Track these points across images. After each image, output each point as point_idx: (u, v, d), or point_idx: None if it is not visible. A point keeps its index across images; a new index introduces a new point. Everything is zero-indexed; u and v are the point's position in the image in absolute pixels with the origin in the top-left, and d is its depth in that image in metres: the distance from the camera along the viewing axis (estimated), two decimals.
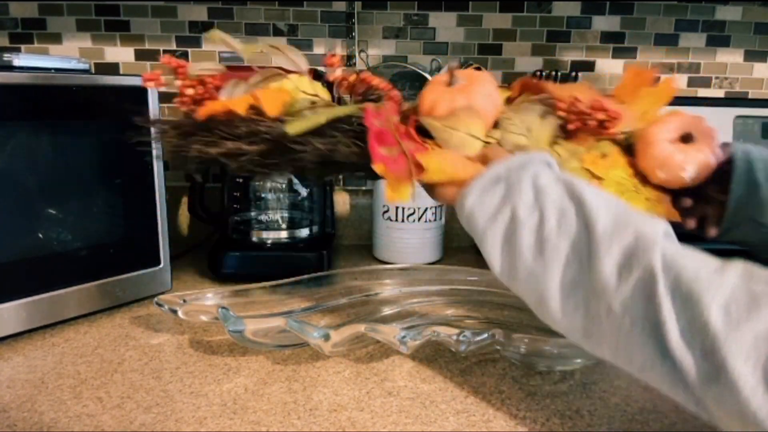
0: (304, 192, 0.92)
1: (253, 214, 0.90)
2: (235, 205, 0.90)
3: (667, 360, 0.33)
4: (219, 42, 0.53)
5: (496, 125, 0.52)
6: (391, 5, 0.99)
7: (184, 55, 1.00)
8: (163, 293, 0.69)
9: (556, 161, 0.46)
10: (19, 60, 0.61)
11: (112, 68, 1.01)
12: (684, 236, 0.40)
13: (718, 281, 0.32)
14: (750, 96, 1.05)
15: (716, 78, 1.04)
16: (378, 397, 0.51)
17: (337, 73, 0.53)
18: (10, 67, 0.61)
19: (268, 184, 0.90)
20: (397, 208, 0.88)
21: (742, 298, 0.31)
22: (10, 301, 0.60)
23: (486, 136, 0.50)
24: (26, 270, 0.62)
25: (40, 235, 0.62)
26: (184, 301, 0.61)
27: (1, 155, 0.58)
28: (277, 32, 1.00)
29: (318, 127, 0.47)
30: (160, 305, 0.60)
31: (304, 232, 0.88)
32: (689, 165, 0.49)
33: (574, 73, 0.83)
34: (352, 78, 0.52)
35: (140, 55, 1.00)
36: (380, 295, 0.73)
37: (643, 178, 0.52)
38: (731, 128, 0.89)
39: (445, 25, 1.00)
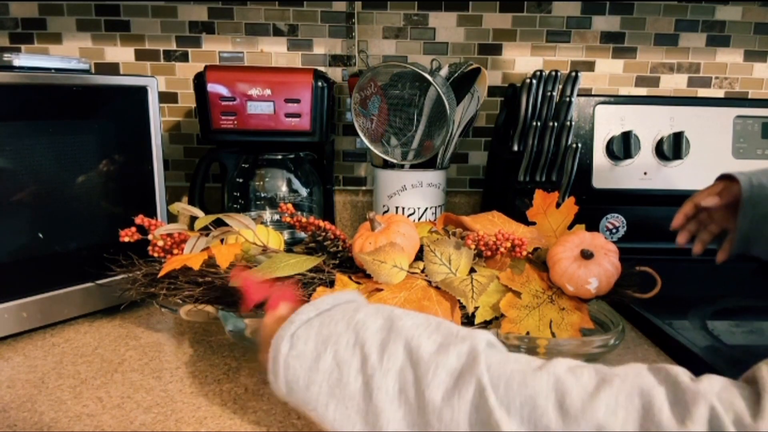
0: (304, 192, 0.92)
1: (253, 214, 0.90)
2: (235, 205, 0.90)
3: None
4: (181, 211, 0.64)
5: (419, 258, 0.60)
6: (391, 5, 0.99)
7: (184, 55, 1.00)
8: None
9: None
10: (19, 60, 0.61)
11: (112, 68, 1.01)
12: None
13: (546, 380, 0.32)
14: (750, 96, 1.05)
15: (716, 78, 1.04)
16: None
17: (288, 212, 0.64)
18: (10, 67, 0.61)
19: (268, 185, 0.90)
20: (396, 207, 0.88)
21: (575, 391, 0.31)
22: (10, 301, 0.60)
23: (410, 267, 0.58)
24: (26, 270, 0.62)
25: (40, 235, 0.62)
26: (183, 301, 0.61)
27: (0, 155, 0.58)
28: (277, 32, 1.00)
29: None
30: (160, 305, 0.60)
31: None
32: (591, 278, 0.55)
33: (574, 73, 0.83)
34: (304, 220, 0.62)
35: (140, 55, 1.00)
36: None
37: (559, 290, 0.58)
38: (731, 128, 0.89)
39: (445, 25, 1.00)
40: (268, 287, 0.51)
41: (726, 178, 0.64)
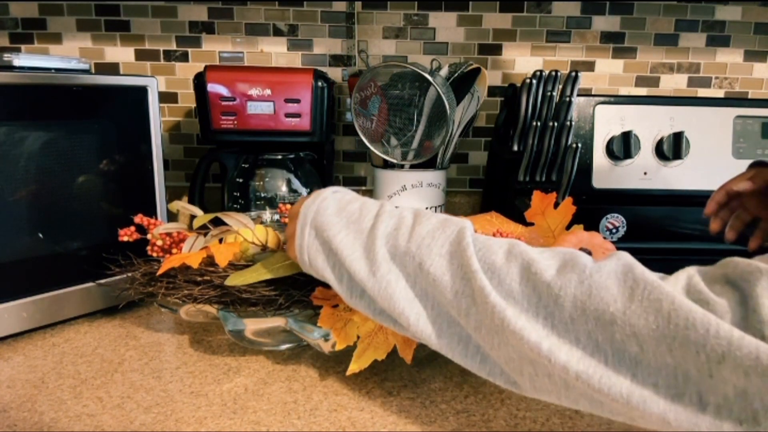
0: (304, 192, 0.92)
1: (253, 214, 0.89)
2: (235, 205, 0.90)
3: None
4: (181, 209, 0.65)
5: None
6: (391, 5, 0.99)
7: (184, 55, 1.00)
8: None
9: None
10: (19, 60, 0.61)
11: (112, 68, 1.01)
12: None
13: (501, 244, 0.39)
14: (750, 96, 1.05)
15: (716, 78, 1.04)
16: (378, 397, 0.51)
17: (287, 213, 0.65)
18: (10, 67, 0.61)
19: (268, 185, 0.90)
20: (396, 208, 0.88)
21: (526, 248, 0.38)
22: (10, 301, 0.60)
23: None
24: (26, 270, 0.62)
25: (40, 235, 0.62)
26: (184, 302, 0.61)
27: (0, 155, 0.58)
28: (277, 32, 1.00)
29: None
30: (160, 305, 0.60)
31: None
32: None
33: (574, 73, 0.83)
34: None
35: (140, 55, 1.00)
36: None
37: None
38: (731, 128, 0.89)
39: (445, 25, 1.00)
40: None
41: (759, 165, 0.64)
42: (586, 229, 0.62)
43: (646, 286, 0.31)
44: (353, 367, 0.50)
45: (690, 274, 0.32)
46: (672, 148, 0.87)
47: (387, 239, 0.43)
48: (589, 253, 0.56)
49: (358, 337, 0.52)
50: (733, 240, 0.67)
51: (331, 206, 0.46)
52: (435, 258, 0.40)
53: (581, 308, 0.32)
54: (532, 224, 0.66)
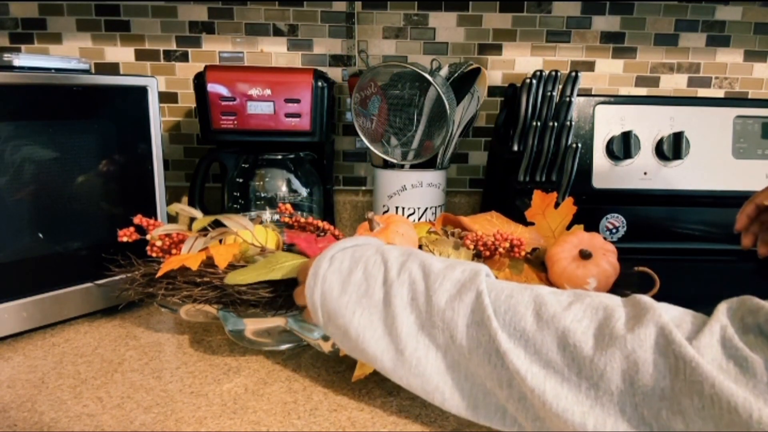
0: (304, 192, 0.92)
1: (252, 214, 0.89)
2: (235, 206, 0.90)
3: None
4: (180, 212, 0.64)
5: None
6: (391, 5, 0.99)
7: (184, 55, 1.01)
8: None
9: None
10: (19, 60, 0.61)
11: (112, 68, 1.01)
12: None
13: (529, 294, 0.37)
14: (750, 96, 1.05)
15: (716, 78, 1.04)
16: (378, 397, 0.51)
17: (286, 213, 0.67)
18: (10, 67, 0.61)
19: (268, 185, 0.90)
20: (396, 207, 0.88)
21: (552, 304, 0.36)
22: (10, 301, 0.60)
23: None
24: (26, 270, 0.62)
25: (40, 235, 0.62)
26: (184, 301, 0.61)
27: (0, 155, 0.58)
28: (277, 32, 1.00)
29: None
30: (160, 305, 0.60)
31: None
32: (590, 278, 0.56)
33: (574, 73, 0.83)
34: (302, 220, 0.65)
35: (140, 55, 1.00)
36: None
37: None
38: (731, 128, 0.89)
39: (445, 25, 1.00)
40: (320, 244, 0.59)
41: None
42: (586, 229, 0.62)
43: (686, 365, 0.30)
44: (358, 374, 0.50)
45: (723, 324, 0.32)
46: (672, 148, 0.87)
47: (406, 314, 0.40)
48: (590, 254, 0.56)
49: None
50: (766, 255, 0.66)
51: (335, 285, 0.43)
52: (461, 329, 0.38)
53: (629, 382, 0.32)
54: (532, 224, 0.66)
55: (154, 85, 0.70)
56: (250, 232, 0.60)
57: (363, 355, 0.42)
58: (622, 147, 0.87)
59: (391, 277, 0.42)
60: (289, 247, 0.67)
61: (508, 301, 0.37)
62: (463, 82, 0.86)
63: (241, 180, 0.90)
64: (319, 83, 0.81)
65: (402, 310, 0.40)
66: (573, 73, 0.83)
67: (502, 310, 0.37)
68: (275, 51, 1.01)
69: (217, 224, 0.62)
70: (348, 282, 0.43)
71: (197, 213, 0.63)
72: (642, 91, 1.04)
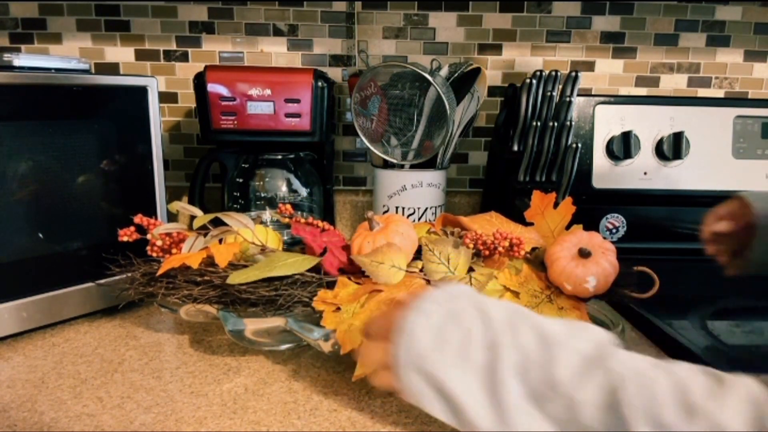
0: (304, 192, 0.92)
1: (253, 214, 0.90)
2: (235, 205, 0.90)
3: None
4: (180, 210, 0.64)
5: (417, 258, 0.60)
6: (391, 5, 0.99)
7: (184, 56, 1.01)
8: None
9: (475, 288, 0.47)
10: (19, 60, 0.61)
11: (112, 68, 1.01)
12: None
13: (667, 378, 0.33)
14: (750, 96, 1.05)
15: (716, 78, 1.04)
16: (378, 397, 0.51)
17: (286, 213, 0.67)
18: (10, 67, 0.61)
19: (268, 185, 0.90)
20: (396, 207, 0.88)
21: (697, 390, 0.32)
22: (10, 301, 0.60)
23: (409, 266, 0.58)
24: (26, 270, 0.62)
25: (40, 235, 0.62)
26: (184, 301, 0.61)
27: (0, 155, 0.58)
28: (277, 32, 1.00)
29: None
30: (160, 305, 0.60)
31: None
32: (589, 277, 0.56)
33: (574, 73, 0.83)
34: (302, 220, 0.64)
35: (140, 55, 1.00)
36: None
37: (558, 289, 0.58)
38: (731, 128, 0.89)
39: (445, 25, 1.00)
40: (324, 238, 0.60)
41: (739, 199, 0.62)
42: (586, 229, 0.62)
43: None
44: (358, 374, 0.50)
45: None
46: (672, 148, 0.87)
47: (515, 383, 0.36)
48: (589, 253, 0.56)
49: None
50: (727, 264, 0.65)
51: (427, 342, 0.39)
52: (589, 410, 0.34)
53: None
54: (531, 224, 0.66)
55: (154, 85, 0.70)
56: (250, 231, 0.60)
57: (458, 419, 0.37)
58: (622, 147, 0.87)
59: (497, 339, 0.37)
60: (290, 247, 0.67)
61: (644, 384, 0.33)
62: (463, 82, 0.86)
63: (241, 180, 0.90)
64: (319, 83, 0.81)
65: (510, 378, 0.36)
66: (573, 73, 0.83)
67: (638, 395, 0.33)
68: (275, 51, 1.01)
69: (218, 223, 0.62)
70: (443, 339, 0.39)
71: (197, 211, 0.63)
72: (642, 91, 1.04)
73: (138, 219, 0.61)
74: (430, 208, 0.89)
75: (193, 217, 0.63)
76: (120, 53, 1.00)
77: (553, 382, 0.35)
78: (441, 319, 0.39)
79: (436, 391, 0.38)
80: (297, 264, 0.56)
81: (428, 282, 0.57)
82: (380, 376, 0.43)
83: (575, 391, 0.34)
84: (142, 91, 0.69)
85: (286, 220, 0.66)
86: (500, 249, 0.59)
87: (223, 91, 0.80)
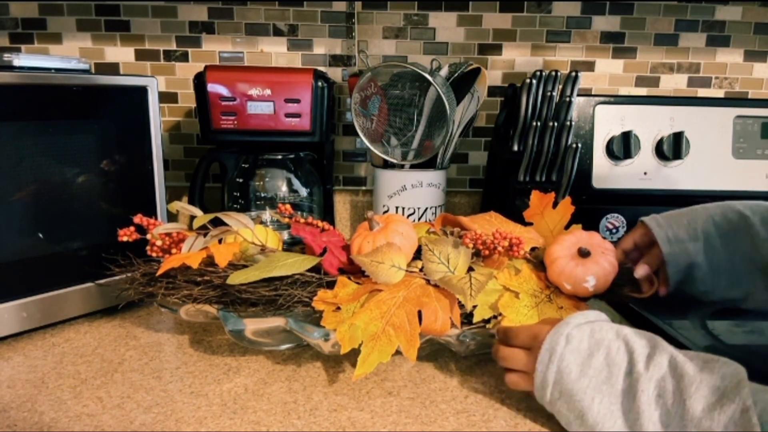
0: (304, 192, 0.92)
1: (253, 214, 0.89)
2: (235, 205, 0.90)
3: None
4: (180, 209, 0.65)
5: (417, 258, 0.60)
6: (391, 5, 0.99)
7: (184, 56, 1.00)
8: None
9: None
10: (19, 60, 0.61)
11: (112, 68, 1.01)
12: None
13: None
14: (750, 96, 1.05)
15: (716, 78, 1.04)
16: (378, 397, 0.51)
17: (286, 213, 0.67)
18: (10, 67, 0.61)
19: (268, 185, 0.90)
20: (396, 207, 0.88)
21: None
22: (10, 301, 0.60)
23: (408, 266, 0.58)
24: (26, 270, 0.62)
25: (40, 235, 0.62)
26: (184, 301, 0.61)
27: (1, 155, 0.58)
28: (277, 32, 1.00)
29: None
30: (160, 305, 0.60)
31: None
32: (589, 276, 0.56)
33: (574, 73, 0.83)
34: (302, 220, 0.65)
35: (140, 55, 1.00)
36: None
37: (557, 289, 0.58)
38: (731, 128, 0.89)
39: (445, 25, 1.00)
40: (323, 238, 0.60)
41: (642, 224, 0.61)
42: (587, 229, 0.62)
43: None
44: (359, 373, 0.50)
45: None
46: (672, 148, 0.87)
47: (651, 410, 0.39)
48: (588, 253, 0.56)
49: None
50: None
51: (573, 366, 0.43)
52: None
53: None
54: (530, 224, 0.66)
55: (154, 85, 0.70)
56: (250, 231, 0.60)
57: None
58: (622, 147, 0.87)
59: (638, 370, 0.41)
60: (290, 247, 0.67)
61: None
62: (463, 82, 0.86)
63: (241, 180, 0.90)
64: (319, 83, 0.81)
65: (648, 406, 0.39)
66: (573, 73, 0.83)
67: None
68: (275, 51, 1.01)
69: (217, 223, 0.62)
70: (588, 365, 0.43)
71: (197, 211, 0.63)
72: (642, 91, 1.04)
73: (138, 219, 0.61)
74: (430, 208, 0.89)
75: (193, 217, 0.63)
76: (120, 53, 1.00)
77: (686, 413, 0.37)
78: (587, 347, 0.43)
79: (577, 414, 0.42)
80: (297, 264, 0.56)
81: (428, 282, 0.57)
82: (518, 380, 0.48)
83: (709, 422, 0.36)
84: (142, 91, 0.69)
85: (286, 220, 0.66)
86: (500, 249, 0.59)
87: (223, 91, 0.80)
